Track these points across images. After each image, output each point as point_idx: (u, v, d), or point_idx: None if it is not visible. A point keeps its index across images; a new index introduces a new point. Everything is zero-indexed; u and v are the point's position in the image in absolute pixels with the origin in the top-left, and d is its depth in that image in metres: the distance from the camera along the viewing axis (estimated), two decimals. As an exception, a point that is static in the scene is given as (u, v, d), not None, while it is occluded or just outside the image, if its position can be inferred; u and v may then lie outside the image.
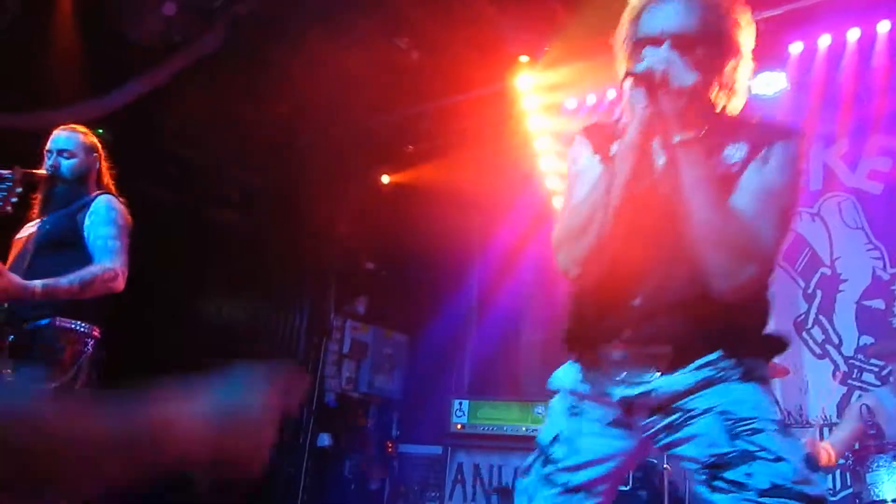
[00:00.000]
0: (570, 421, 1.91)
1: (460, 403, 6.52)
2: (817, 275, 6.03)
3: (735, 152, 1.87)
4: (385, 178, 7.83)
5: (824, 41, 5.57)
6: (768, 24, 5.41)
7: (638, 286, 1.83)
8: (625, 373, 1.84)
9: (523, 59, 6.19)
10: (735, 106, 1.97)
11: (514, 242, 7.11)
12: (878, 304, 5.69)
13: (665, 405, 1.80)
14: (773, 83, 5.67)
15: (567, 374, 1.99)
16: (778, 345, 1.88)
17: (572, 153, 2.08)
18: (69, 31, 4.40)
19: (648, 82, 1.81)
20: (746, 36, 1.97)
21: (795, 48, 5.64)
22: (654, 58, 1.85)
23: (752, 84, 5.59)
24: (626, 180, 1.82)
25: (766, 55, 5.57)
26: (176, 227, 6.07)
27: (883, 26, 5.36)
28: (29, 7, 4.20)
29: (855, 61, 5.63)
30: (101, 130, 5.01)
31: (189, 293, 6.54)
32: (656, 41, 1.89)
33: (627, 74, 1.83)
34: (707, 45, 1.88)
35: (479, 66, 6.07)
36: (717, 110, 1.95)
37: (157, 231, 6.16)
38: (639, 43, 1.92)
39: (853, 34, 5.41)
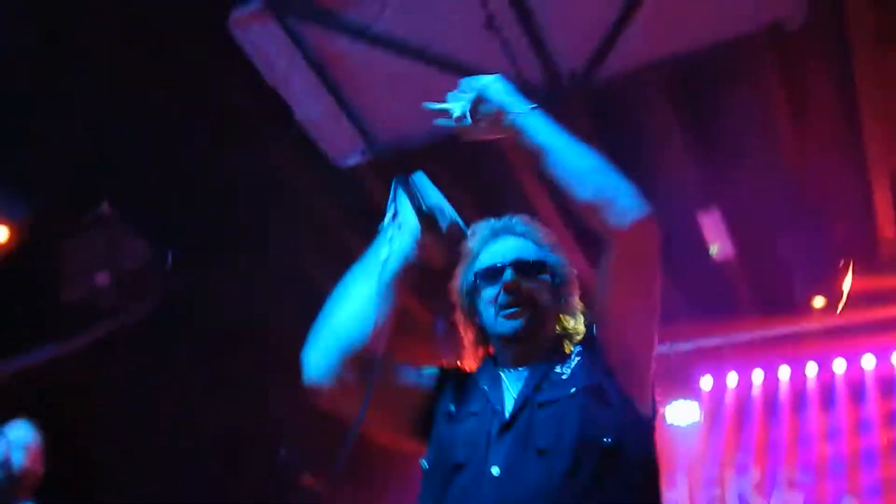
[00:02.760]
0: None
1: None
2: None
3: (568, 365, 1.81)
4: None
5: (732, 378, 5.92)
6: (679, 356, 5.80)
7: None
8: None
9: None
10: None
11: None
12: None
13: None
14: (688, 413, 5.88)
15: None
16: None
17: None
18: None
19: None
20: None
21: (706, 382, 5.97)
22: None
23: (665, 413, 5.88)
24: None
25: (679, 386, 5.87)
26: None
27: (783, 372, 5.79)
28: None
29: (761, 399, 5.98)
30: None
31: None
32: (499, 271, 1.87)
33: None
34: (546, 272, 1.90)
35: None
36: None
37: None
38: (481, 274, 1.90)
39: (757, 375, 5.80)
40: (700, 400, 6.00)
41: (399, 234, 1.85)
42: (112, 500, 5.61)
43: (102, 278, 4.24)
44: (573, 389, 1.69)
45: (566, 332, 1.90)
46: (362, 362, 1.76)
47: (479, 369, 1.93)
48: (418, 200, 1.83)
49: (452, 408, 1.82)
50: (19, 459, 3.31)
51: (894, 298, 5.08)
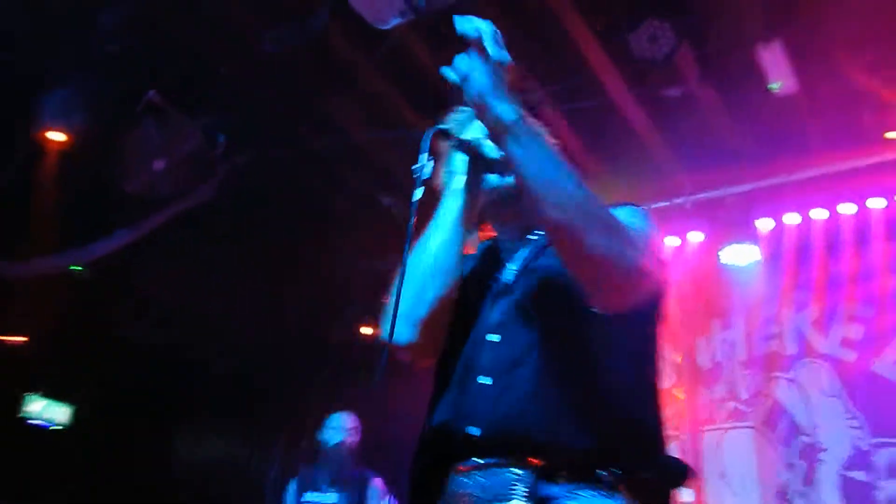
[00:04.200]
0: None
1: None
2: (797, 443, 5.94)
3: None
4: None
5: (792, 218, 5.82)
6: (736, 198, 5.70)
7: None
8: None
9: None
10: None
11: None
12: (860, 475, 5.58)
13: None
14: (746, 255, 5.84)
15: None
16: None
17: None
18: (53, 181, 4.58)
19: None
20: None
21: (765, 223, 5.88)
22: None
23: (722, 255, 5.82)
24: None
25: (736, 229, 5.79)
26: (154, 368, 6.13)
27: (847, 208, 5.65)
28: (14, 158, 4.35)
29: (822, 236, 5.88)
30: (80, 268, 5.07)
31: (166, 433, 6.59)
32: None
33: None
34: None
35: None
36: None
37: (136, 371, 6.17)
38: None
39: (819, 213, 5.67)
40: (758, 242, 5.92)
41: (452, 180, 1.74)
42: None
43: (159, 165, 4.31)
44: None
45: None
46: (444, 314, 1.70)
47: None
48: (457, 140, 1.72)
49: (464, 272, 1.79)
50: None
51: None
